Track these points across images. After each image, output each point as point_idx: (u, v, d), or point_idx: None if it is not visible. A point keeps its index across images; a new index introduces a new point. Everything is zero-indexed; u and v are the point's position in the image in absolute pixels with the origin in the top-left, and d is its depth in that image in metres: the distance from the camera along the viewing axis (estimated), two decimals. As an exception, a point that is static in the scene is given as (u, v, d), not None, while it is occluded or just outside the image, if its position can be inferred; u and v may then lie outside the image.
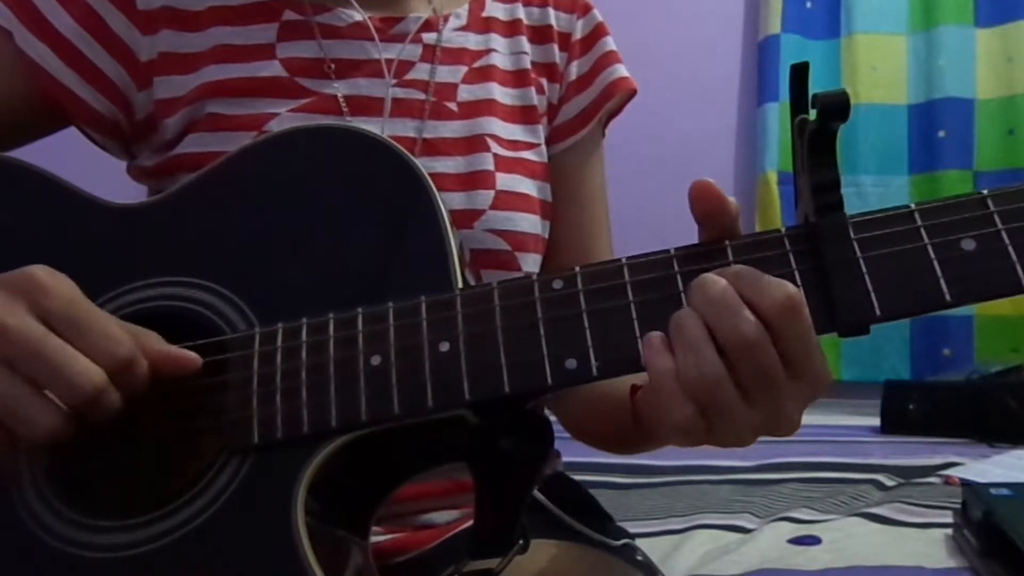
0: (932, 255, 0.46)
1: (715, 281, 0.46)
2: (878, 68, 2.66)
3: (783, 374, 0.46)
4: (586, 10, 0.85)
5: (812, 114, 0.47)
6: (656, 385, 0.47)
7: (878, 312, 0.46)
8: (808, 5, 2.73)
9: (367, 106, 0.73)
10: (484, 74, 0.79)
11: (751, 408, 0.46)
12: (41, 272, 0.51)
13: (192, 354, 0.54)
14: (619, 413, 0.68)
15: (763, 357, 0.45)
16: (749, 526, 1.30)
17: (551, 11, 0.84)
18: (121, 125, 0.74)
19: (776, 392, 0.46)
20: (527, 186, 0.77)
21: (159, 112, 0.72)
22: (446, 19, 0.79)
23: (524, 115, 0.80)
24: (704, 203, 0.49)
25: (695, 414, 0.46)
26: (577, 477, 0.87)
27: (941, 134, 2.61)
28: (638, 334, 0.49)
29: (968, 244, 0.46)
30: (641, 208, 1.97)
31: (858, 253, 0.47)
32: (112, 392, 0.50)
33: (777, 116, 2.66)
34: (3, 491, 0.53)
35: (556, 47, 0.83)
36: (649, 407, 0.48)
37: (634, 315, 0.49)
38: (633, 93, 0.85)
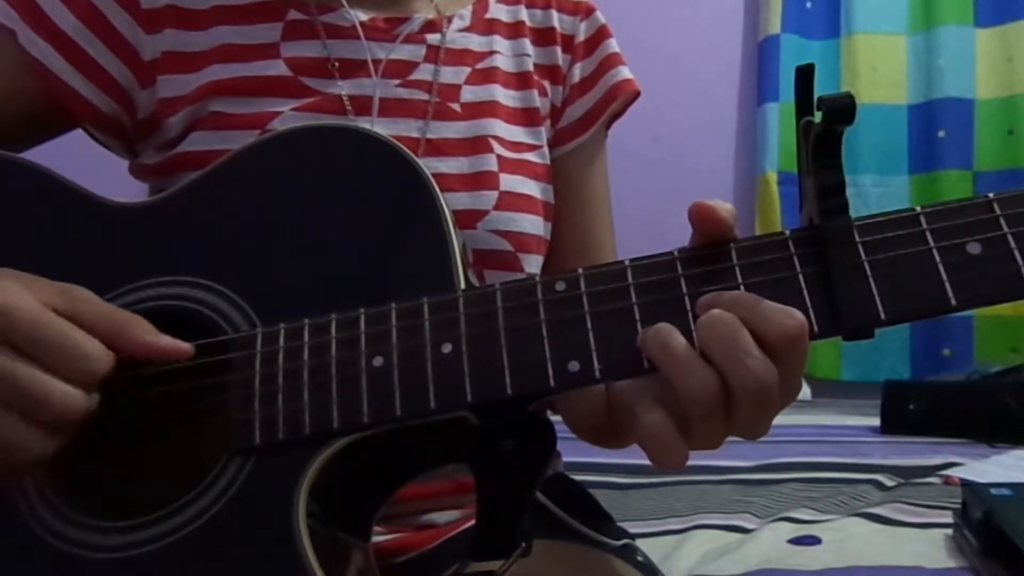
0: (937, 259, 0.46)
1: (728, 321, 0.45)
2: (878, 68, 2.66)
3: (777, 400, 0.46)
4: (589, 12, 0.85)
5: (817, 116, 0.47)
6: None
7: (883, 316, 0.46)
8: (808, 5, 2.73)
9: (371, 106, 0.73)
10: (487, 75, 0.79)
11: (731, 428, 0.47)
12: (2, 297, 0.49)
13: (182, 344, 0.53)
14: (593, 402, 0.69)
15: (771, 395, 0.45)
16: (749, 526, 1.30)
17: (554, 13, 0.84)
18: (124, 123, 0.74)
19: (765, 412, 0.47)
20: (530, 187, 0.77)
21: (162, 111, 0.72)
22: (450, 20, 0.79)
23: (526, 117, 0.80)
24: (705, 224, 0.49)
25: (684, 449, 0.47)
26: (577, 477, 0.87)
27: (941, 134, 2.61)
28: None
29: (974, 248, 0.46)
30: (641, 208, 1.97)
31: (863, 257, 0.47)
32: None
33: (777, 116, 2.65)
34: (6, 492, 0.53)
35: (559, 49, 0.83)
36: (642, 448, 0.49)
37: (637, 317, 0.49)
38: (636, 95, 0.85)
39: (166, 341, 0.53)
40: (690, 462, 0.48)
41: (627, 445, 0.75)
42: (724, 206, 0.49)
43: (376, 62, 0.74)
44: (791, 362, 0.46)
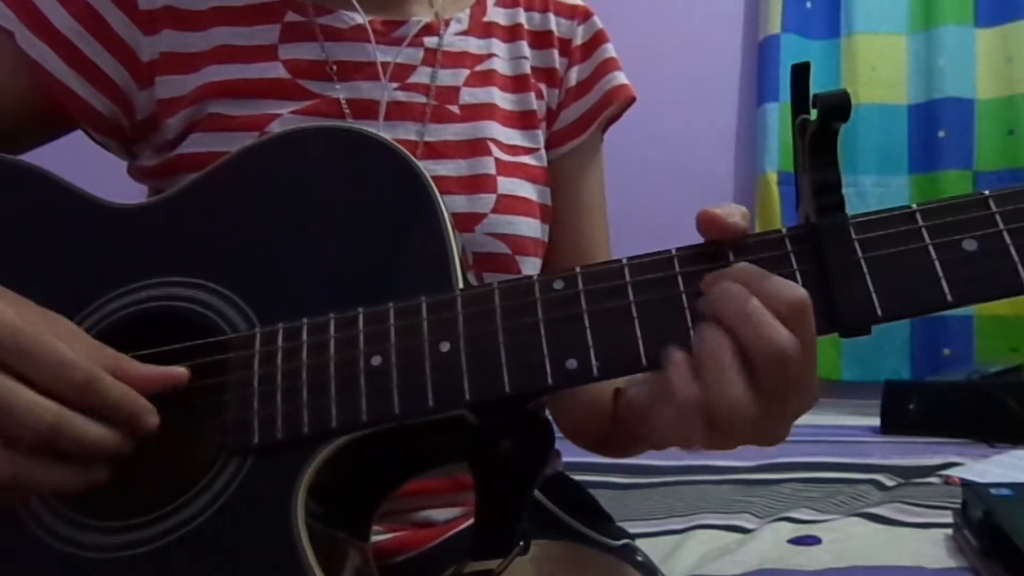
0: (933, 256, 0.47)
1: (741, 291, 0.46)
2: (878, 68, 2.66)
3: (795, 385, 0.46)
4: (586, 16, 0.86)
5: (813, 114, 0.48)
6: (680, 409, 0.47)
7: (879, 313, 0.46)
8: (808, 5, 2.73)
9: (368, 109, 0.73)
10: (485, 78, 0.79)
11: (759, 421, 0.47)
12: None
13: (179, 369, 0.53)
14: (597, 413, 0.68)
15: (792, 368, 0.46)
16: (749, 526, 1.30)
17: (552, 17, 0.84)
18: (122, 125, 0.74)
19: (784, 404, 0.47)
20: (527, 190, 0.77)
21: (160, 112, 0.72)
22: (447, 23, 0.79)
23: (523, 120, 0.80)
24: (712, 232, 0.50)
25: (705, 433, 0.47)
26: (577, 477, 0.87)
27: (941, 134, 2.61)
28: (639, 334, 0.49)
29: (970, 245, 0.46)
30: (641, 208, 1.97)
31: (859, 254, 0.47)
32: (74, 420, 0.48)
33: (777, 116, 2.65)
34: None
35: (556, 52, 0.83)
36: (658, 421, 0.49)
37: (635, 315, 0.49)
38: (632, 100, 0.85)
39: (155, 370, 0.52)
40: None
41: (636, 453, 0.75)
42: (731, 212, 0.49)
43: (374, 65, 0.74)
44: (802, 335, 0.46)
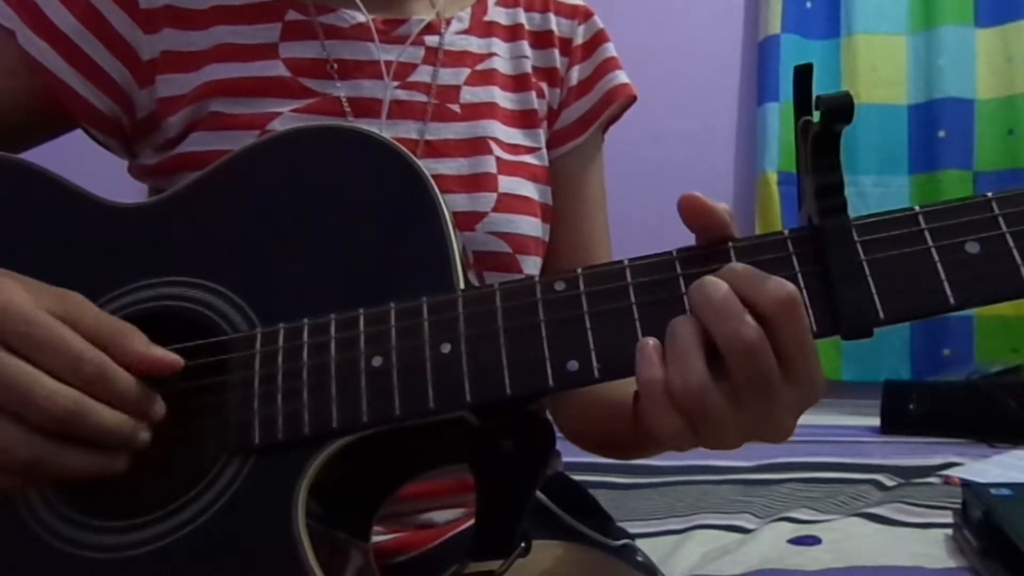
0: (936, 258, 0.46)
1: (716, 284, 0.46)
2: (878, 68, 2.66)
3: (779, 379, 0.46)
4: (587, 16, 0.86)
5: (816, 116, 0.47)
6: (643, 392, 0.47)
7: (881, 315, 0.46)
8: (808, 5, 2.73)
9: (369, 107, 0.73)
10: (486, 77, 0.79)
11: (738, 413, 0.47)
12: None
13: (174, 356, 0.53)
14: (618, 416, 0.68)
15: (762, 362, 0.45)
16: (749, 526, 1.30)
17: (552, 16, 0.84)
18: (123, 123, 0.74)
19: (770, 397, 0.46)
20: (528, 189, 0.77)
21: (161, 110, 0.72)
22: (448, 22, 0.79)
23: (524, 119, 0.80)
24: (695, 218, 0.50)
25: (679, 421, 0.46)
26: (577, 477, 0.87)
27: (941, 134, 2.61)
28: (640, 336, 0.48)
29: (972, 247, 0.46)
30: (641, 208, 1.97)
31: (862, 256, 0.47)
32: (93, 406, 0.49)
33: (777, 116, 2.65)
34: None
35: (557, 52, 0.83)
36: (640, 412, 0.49)
37: (636, 317, 0.49)
38: (633, 100, 0.85)
39: (158, 353, 0.53)
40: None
41: (653, 453, 0.75)
42: (716, 203, 0.49)
43: (375, 64, 0.74)
44: (787, 332, 0.46)
